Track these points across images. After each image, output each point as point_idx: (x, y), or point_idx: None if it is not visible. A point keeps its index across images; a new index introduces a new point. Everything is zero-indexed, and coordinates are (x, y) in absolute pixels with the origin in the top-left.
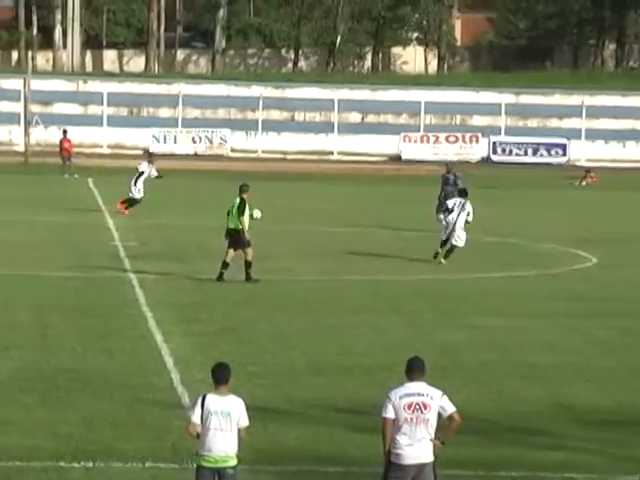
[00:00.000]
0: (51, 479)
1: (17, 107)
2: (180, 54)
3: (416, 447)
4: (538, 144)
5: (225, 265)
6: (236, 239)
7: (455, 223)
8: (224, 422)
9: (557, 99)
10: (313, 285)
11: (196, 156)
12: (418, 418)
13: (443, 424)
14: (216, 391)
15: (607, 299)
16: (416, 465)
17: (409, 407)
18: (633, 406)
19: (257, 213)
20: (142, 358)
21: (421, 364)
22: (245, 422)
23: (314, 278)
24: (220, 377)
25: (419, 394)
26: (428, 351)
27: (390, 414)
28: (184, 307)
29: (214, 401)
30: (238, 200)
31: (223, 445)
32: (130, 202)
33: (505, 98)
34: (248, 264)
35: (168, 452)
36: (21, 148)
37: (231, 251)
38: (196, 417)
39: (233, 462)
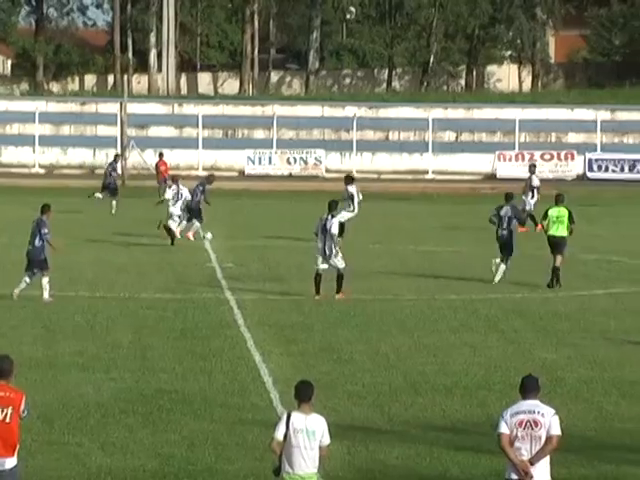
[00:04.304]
0: None
1: (113, 131)
2: (274, 76)
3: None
4: (635, 160)
5: None
6: None
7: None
8: (308, 440)
9: None
10: (411, 304)
11: (291, 177)
12: (529, 435)
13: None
14: (300, 409)
15: None
16: None
17: (520, 424)
18: None
19: None
20: (241, 378)
21: (534, 382)
22: (327, 440)
23: (412, 297)
24: (304, 395)
25: (530, 412)
26: (527, 369)
27: (504, 430)
28: (282, 327)
29: (299, 419)
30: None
31: (306, 463)
32: None
33: (600, 115)
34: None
35: (270, 472)
36: (118, 171)
37: None
38: (279, 434)
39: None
